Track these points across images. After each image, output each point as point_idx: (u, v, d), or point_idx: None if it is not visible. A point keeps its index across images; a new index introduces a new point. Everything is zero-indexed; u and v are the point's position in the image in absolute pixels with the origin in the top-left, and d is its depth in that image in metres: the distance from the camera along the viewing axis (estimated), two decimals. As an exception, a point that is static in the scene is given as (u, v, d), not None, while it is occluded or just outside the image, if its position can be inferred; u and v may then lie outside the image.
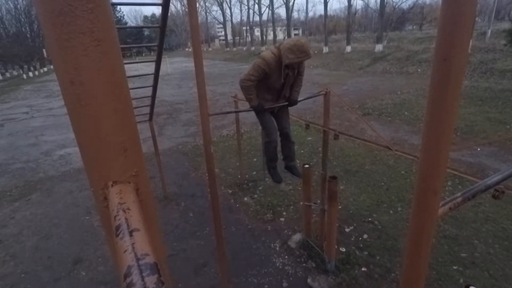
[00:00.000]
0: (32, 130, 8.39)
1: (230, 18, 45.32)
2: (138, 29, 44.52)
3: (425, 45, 17.64)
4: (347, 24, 22.72)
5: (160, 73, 3.01)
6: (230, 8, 44.26)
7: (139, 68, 21.92)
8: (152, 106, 3.57)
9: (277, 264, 2.90)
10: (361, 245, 3.05)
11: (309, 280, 2.66)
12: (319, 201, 3.09)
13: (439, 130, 0.81)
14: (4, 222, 3.89)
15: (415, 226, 0.96)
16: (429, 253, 1.00)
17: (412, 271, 1.02)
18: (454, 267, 2.67)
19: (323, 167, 2.90)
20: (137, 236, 0.40)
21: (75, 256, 3.16)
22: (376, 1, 32.04)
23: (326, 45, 23.56)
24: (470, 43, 12.66)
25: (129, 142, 0.59)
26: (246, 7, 40.29)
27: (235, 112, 3.54)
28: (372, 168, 4.70)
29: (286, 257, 2.99)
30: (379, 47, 18.80)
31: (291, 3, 31.04)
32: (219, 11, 45.97)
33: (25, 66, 27.90)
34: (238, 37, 52.43)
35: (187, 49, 53.63)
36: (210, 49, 51.33)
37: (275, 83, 2.57)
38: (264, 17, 39.12)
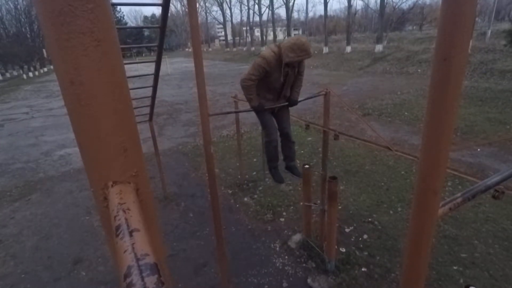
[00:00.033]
0: (32, 130, 8.39)
1: (230, 18, 45.37)
2: (138, 30, 44.51)
3: (425, 45, 17.65)
4: (347, 25, 22.73)
5: (160, 73, 3.01)
6: (230, 9, 44.31)
7: (139, 68, 21.93)
8: (152, 106, 3.57)
9: (277, 264, 2.90)
10: (361, 245, 3.05)
11: (309, 280, 2.66)
12: (319, 201, 3.09)
13: (439, 130, 0.81)
14: (4, 222, 3.89)
15: (415, 226, 0.96)
16: (429, 253, 1.00)
17: (412, 271, 1.02)
18: (454, 267, 2.67)
19: (323, 167, 2.90)
20: (137, 236, 0.40)
21: (75, 256, 3.16)
22: (376, 1, 32.08)
23: (326, 45, 23.57)
24: (470, 43, 12.67)
25: (129, 142, 0.59)
26: (246, 8, 40.33)
27: (235, 112, 3.54)
28: (372, 169, 4.70)
29: (286, 257, 2.99)
30: (379, 47, 18.81)
31: (291, 4, 31.05)
32: (219, 11, 46.05)
33: (25, 66, 27.91)
34: (238, 38, 52.44)
35: (187, 49, 53.66)
36: (210, 49, 51.35)
37: (275, 81, 2.56)
38: (264, 17, 39.19)
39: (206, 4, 48.58)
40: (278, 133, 2.83)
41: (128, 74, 0.67)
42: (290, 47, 2.33)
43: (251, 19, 40.64)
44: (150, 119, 3.82)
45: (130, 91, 0.64)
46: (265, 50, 2.53)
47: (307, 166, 2.83)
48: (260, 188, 4.36)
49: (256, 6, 37.48)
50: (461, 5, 0.69)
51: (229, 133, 6.99)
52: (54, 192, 4.68)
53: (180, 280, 2.79)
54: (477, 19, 28.37)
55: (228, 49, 42.64)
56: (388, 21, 25.25)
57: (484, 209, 3.43)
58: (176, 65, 28.85)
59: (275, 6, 37.34)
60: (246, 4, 39.81)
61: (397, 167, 4.66)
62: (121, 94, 0.56)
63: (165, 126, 8.17)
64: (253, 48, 35.34)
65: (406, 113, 7.67)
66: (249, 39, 41.53)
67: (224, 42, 49.34)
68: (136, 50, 46.12)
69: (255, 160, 5.33)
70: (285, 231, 3.38)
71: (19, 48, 26.31)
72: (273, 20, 34.82)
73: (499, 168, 4.35)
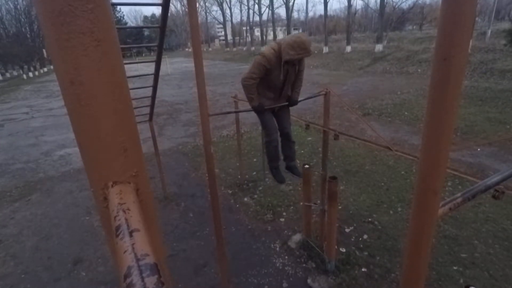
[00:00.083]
0: (32, 130, 8.39)
1: (230, 18, 45.36)
2: (138, 29, 44.51)
3: (425, 45, 17.64)
4: (347, 24, 22.73)
5: (160, 73, 3.01)
6: (230, 8, 44.31)
7: (139, 68, 21.93)
8: (152, 106, 3.57)
9: (277, 265, 2.90)
10: (361, 246, 3.05)
11: (309, 281, 2.66)
12: (319, 202, 3.09)
13: (439, 130, 0.81)
14: (4, 222, 3.89)
15: (415, 226, 0.96)
16: (429, 253, 1.00)
17: (412, 271, 1.02)
18: (454, 267, 2.67)
19: (323, 167, 2.90)
20: (137, 237, 0.40)
21: (75, 256, 3.16)
22: (376, 1, 32.07)
23: (326, 45, 23.56)
24: (470, 43, 12.67)
25: (129, 142, 0.59)
26: (246, 7, 40.33)
27: (235, 112, 3.54)
28: (372, 169, 4.70)
29: (286, 257, 2.99)
30: (379, 47, 18.81)
31: (291, 3, 31.06)
32: (219, 11, 46.03)
33: (25, 66, 27.91)
34: (238, 37, 52.43)
35: (187, 49, 53.65)
36: (210, 49, 51.35)
37: (276, 79, 2.54)
38: (264, 17, 39.18)
39: (206, 4, 48.62)
40: (278, 133, 2.83)
41: (128, 74, 0.67)
42: (290, 45, 2.30)
43: (251, 19, 40.65)
44: (150, 119, 3.82)
45: (130, 91, 0.64)
46: (265, 48, 2.51)
47: (307, 166, 2.83)
48: (260, 188, 4.36)
49: (256, 6, 37.53)
50: (461, 5, 0.69)
51: (229, 133, 6.99)
52: (54, 192, 4.68)
53: (180, 280, 2.79)
54: (477, 19, 28.36)
55: (228, 49, 42.64)
56: (388, 21, 25.25)
57: (484, 209, 3.43)
58: (176, 65, 28.86)
59: (275, 5, 37.40)
60: (246, 4, 39.84)
61: (397, 167, 4.66)
62: (121, 94, 0.56)
63: (165, 126, 8.17)
64: (253, 48, 35.34)
65: (406, 113, 7.67)
66: (249, 39, 41.52)
67: (224, 42, 49.34)
68: (136, 50, 46.12)
69: (255, 160, 5.33)
70: (285, 231, 3.38)
71: (19, 48, 26.30)
72: (273, 20, 34.81)
73: (499, 168, 4.35)
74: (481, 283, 2.50)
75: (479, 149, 5.15)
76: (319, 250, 2.94)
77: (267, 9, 36.08)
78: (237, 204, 4.02)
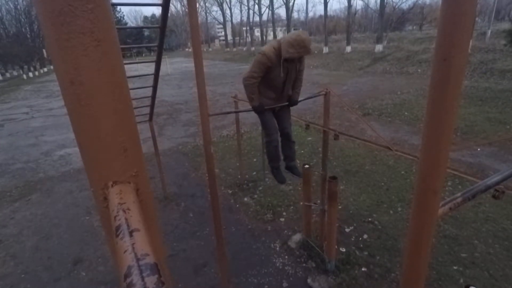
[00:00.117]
0: (32, 130, 8.39)
1: (230, 18, 45.37)
2: (138, 30, 44.51)
3: (425, 45, 17.65)
4: (347, 24, 22.73)
5: (160, 73, 3.01)
6: (230, 9, 44.33)
7: (139, 68, 21.93)
8: (152, 106, 3.57)
9: (277, 264, 2.90)
10: (361, 245, 3.05)
11: (309, 280, 2.66)
12: (319, 201, 3.09)
13: (439, 130, 0.81)
14: (4, 222, 3.89)
15: (415, 226, 0.96)
16: (429, 253, 1.00)
17: (412, 271, 1.02)
18: (454, 267, 2.67)
19: (323, 167, 2.90)
20: (137, 236, 0.40)
21: (75, 256, 3.16)
22: (376, 1, 32.07)
23: (326, 45, 23.57)
24: (470, 43, 12.67)
25: (129, 142, 0.59)
26: (246, 8, 40.33)
27: (235, 112, 3.54)
28: (372, 168, 4.70)
29: (286, 257, 2.99)
30: (379, 47, 18.81)
31: (291, 4, 31.05)
32: (219, 12, 46.05)
33: (25, 67, 27.90)
34: (238, 38, 52.44)
35: (187, 49, 53.66)
36: (210, 49, 51.35)
37: (277, 78, 2.52)
38: (264, 17, 39.19)
39: (206, 4, 48.63)
40: (279, 133, 2.83)
41: (128, 74, 0.67)
42: (290, 43, 2.28)
43: (251, 19, 40.64)
44: (150, 119, 3.82)
45: (130, 91, 0.64)
46: (265, 46, 2.51)
47: (307, 166, 2.83)
48: (260, 188, 4.36)
49: (256, 6, 37.52)
50: (461, 5, 0.69)
51: (229, 133, 6.99)
52: (54, 192, 4.68)
53: (180, 280, 2.79)
54: (477, 19, 28.36)
55: (228, 49, 42.64)
56: (388, 21, 25.25)
57: (484, 209, 3.43)
58: (176, 65, 28.86)
59: (275, 6, 37.41)
60: (246, 4, 39.84)
61: (397, 167, 4.67)
62: (121, 94, 0.56)
63: (165, 126, 8.17)
64: (253, 48, 35.34)
65: (406, 113, 7.67)
66: (249, 39, 41.52)
67: (224, 42, 49.35)
68: (136, 50, 46.13)
69: (255, 160, 5.33)
70: (285, 231, 3.38)
71: (19, 48, 26.30)
72: (273, 20, 34.82)
73: (499, 168, 4.36)
74: (481, 283, 2.50)
75: (479, 149, 5.15)
76: (319, 250, 2.94)
77: (267, 9, 36.13)
78: (237, 204, 4.02)
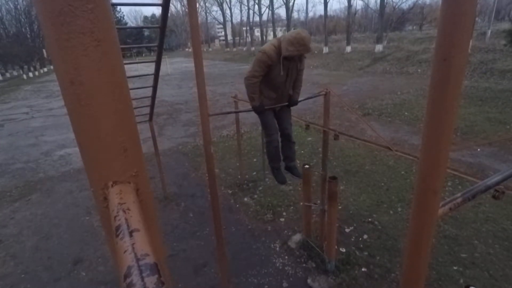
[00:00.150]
0: (32, 130, 8.39)
1: (230, 18, 45.37)
2: (138, 30, 44.51)
3: (425, 45, 17.65)
4: (347, 24, 22.73)
5: (160, 73, 3.01)
6: (230, 9, 44.32)
7: (139, 68, 21.93)
8: (152, 106, 3.57)
9: (277, 265, 2.90)
10: (361, 246, 3.05)
11: (309, 281, 2.66)
12: (319, 202, 3.09)
13: (439, 130, 0.81)
14: (4, 222, 3.89)
15: (415, 226, 0.96)
16: (429, 253, 1.00)
17: (412, 271, 1.02)
18: (454, 267, 2.67)
19: (323, 168, 2.90)
20: (137, 237, 0.40)
21: (75, 256, 3.16)
22: (376, 1, 32.07)
23: (326, 45, 23.57)
24: (470, 43, 12.67)
25: (129, 142, 0.59)
26: (246, 8, 40.32)
27: (235, 112, 3.54)
28: (372, 169, 4.70)
29: (286, 257, 2.99)
30: (379, 47, 18.81)
31: (291, 3, 31.04)
32: (219, 11, 46.05)
33: (25, 67, 27.90)
34: (238, 38, 52.44)
35: (187, 49, 53.66)
36: (210, 49, 51.36)
37: (277, 77, 2.51)
38: (264, 17, 39.17)
39: (206, 4, 48.63)
40: (279, 133, 2.83)
41: (128, 74, 0.67)
42: (290, 41, 2.28)
43: (251, 19, 40.64)
44: (150, 119, 3.82)
45: (130, 91, 0.64)
46: (265, 45, 2.50)
47: (307, 166, 2.82)
48: (260, 188, 4.36)
49: (256, 6, 37.50)
50: (461, 5, 0.69)
51: (229, 133, 6.99)
52: (54, 192, 4.68)
53: (180, 280, 2.79)
54: (477, 19, 28.36)
55: (228, 49, 42.65)
56: (388, 21, 25.25)
57: (484, 209, 3.43)
58: (176, 65, 28.86)
59: (275, 6, 37.35)
60: (246, 4, 39.83)
61: (397, 167, 4.67)
62: (121, 94, 0.56)
63: (165, 126, 8.17)
64: (253, 48, 35.34)
65: (406, 113, 7.67)
66: (249, 39, 41.52)
67: (224, 42, 49.35)
68: (136, 50, 46.12)
69: (255, 160, 5.33)
70: (285, 231, 3.38)
71: (19, 48, 26.30)
72: (273, 20, 34.81)
73: (499, 168, 4.36)
74: (481, 283, 2.50)
75: (479, 149, 5.15)
76: (319, 250, 2.94)
77: (267, 9, 36.10)
78: (237, 204, 4.02)
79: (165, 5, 2.02)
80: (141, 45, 40.20)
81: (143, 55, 49.14)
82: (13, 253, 3.28)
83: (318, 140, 5.54)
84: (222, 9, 44.40)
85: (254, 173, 4.84)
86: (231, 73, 19.93)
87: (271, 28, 36.29)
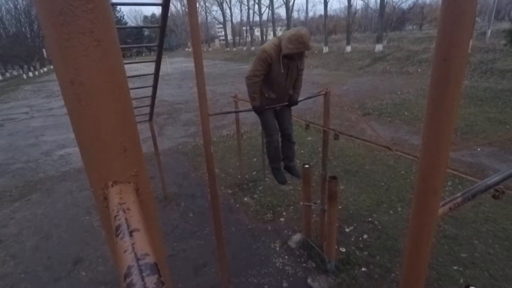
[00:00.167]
0: (32, 130, 8.39)
1: (230, 18, 45.36)
2: (138, 29, 44.50)
3: (425, 45, 17.64)
4: (347, 24, 22.73)
5: (160, 73, 3.01)
6: (230, 8, 44.30)
7: (139, 68, 21.93)
8: (152, 106, 3.57)
9: (277, 264, 2.90)
10: (361, 245, 3.05)
11: (309, 280, 2.66)
12: (319, 201, 3.09)
13: (439, 130, 0.81)
14: (4, 222, 3.89)
15: (415, 226, 0.96)
16: (429, 253, 1.00)
17: (412, 271, 1.02)
18: (454, 267, 2.67)
19: (323, 167, 2.90)
20: (137, 236, 0.40)
21: (75, 256, 3.16)
22: (376, 1, 32.05)
23: (326, 45, 23.56)
24: (470, 43, 12.66)
25: (129, 142, 0.59)
26: (246, 7, 40.33)
27: (235, 112, 3.54)
28: (372, 168, 4.70)
29: (286, 257, 2.99)
30: (379, 47, 18.81)
31: (291, 3, 31.03)
32: (219, 11, 46.04)
33: (25, 66, 27.90)
34: (238, 37, 52.44)
35: (187, 49, 53.64)
36: (210, 49, 51.35)
37: (278, 77, 2.50)
38: (264, 17, 39.15)
39: (206, 4, 48.62)
40: (279, 134, 2.82)
41: (128, 74, 0.67)
42: (289, 39, 2.27)
43: (251, 19, 40.64)
44: (150, 119, 3.82)
45: (130, 91, 0.64)
46: (266, 43, 2.50)
47: (307, 166, 2.82)
48: (260, 188, 4.36)
49: (256, 6, 37.50)
50: (461, 5, 0.69)
51: (229, 133, 6.99)
52: (54, 192, 4.68)
53: (180, 280, 2.79)
54: (477, 19, 28.36)
55: (228, 49, 42.64)
56: (388, 21, 25.24)
57: (484, 209, 3.43)
58: (176, 65, 28.86)
59: (275, 5, 37.36)
60: (246, 4, 39.84)
61: (397, 167, 4.67)
62: (121, 94, 0.56)
63: (165, 126, 8.17)
64: (253, 48, 35.33)
65: (406, 113, 7.67)
66: (249, 39, 41.52)
67: (224, 42, 49.35)
68: (136, 50, 46.10)
69: (255, 160, 5.33)
70: (285, 231, 3.38)
71: (19, 48, 26.29)
72: (273, 20, 34.79)
73: (499, 168, 4.36)
74: (481, 283, 2.50)
75: (479, 149, 5.15)
76: (319, 250, 2.94)
77: (267, 9, 36.08)
78: (237, 204, 4.02)
79: (165, 5, 2.02)
80: (141, 45, 40.20)
81: (143, 55, 49.13)
82: (13, 253, 3.28)
83: (318, 140, 5.54)
84: (222, 9, 44.42)
85: (254, 173, 4.84)
86: (231, 73, 19.93)
87: (271, 28, 36.28)
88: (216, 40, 64.98)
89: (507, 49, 12.65)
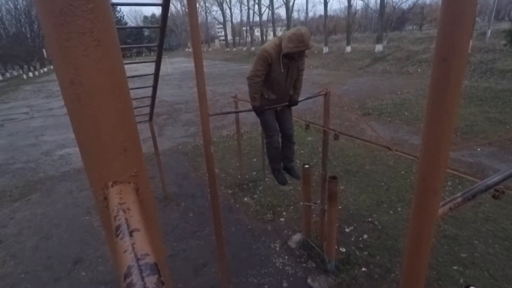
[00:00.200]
0: (32, 130, 8.39)
1: (230, 18, 45.36)
2: (138, 29, 44.49)
3: (425, 45, 17.64)
4: (347, 24, 22.73)
5: (160, 73, 3.01)
6: (230, 8, 44.31)
7: (139, 68, 21.93)
8: (152, 106, 3.57)
9: (277, 264, 2.90)
10: (361, 245, 3.05)
11: (309, 280, 2.66)
12: (319, 201, 3.09)
13: (439, 130, 0.81)
14: (4, 222, 3.89)
15: (415, 226, 0.96)
16: (429, 253, 1.00)
17: (412, 271, 1.02)
18: (454, 267, 2.67)
19: (323, 167, 2.90)
20: (137, 236, 0.40)
21: (75, 256, 3.16)
22: (376, 1, 32.06)
23: (326, 45, 23.56)
24: (470, 43, 12.66)
25: (129, 142, 0.59)
26: (246, 7, 40.34)
27: (235, 112, 3.54)
28: (372, 168, 4.70)
29: (286, 257, 2.99)
30: (379, 47, 18.81)
31: (291, 3, 31.04)
32: (219, 11, 46.04)
33: (25, 66, 27.90)
34: (238, 37, 52.45)
35: (187, 49, 53.64)
36: (210, 49, 51.35)
37: (278, 76, 2.49)
38: (264, 17, 39.17)
39: (206, 4, 48.62)
40: (279, 134, 2.82)
41: (128, 74, 0.67)
42: (290, 38, 2.27)
43: (251, 19, 40.64)
44: (150, 119, 3.82)
45: (130, 91, 0.64)
46: (266, 43, 2.50)
47: (307, 166, 2.82)
48: (260, 188, 4.36)
49: (256, 6, 37.51)
50: (461, 5, 0.69)
51: (229, 133, 6.99)
52: (54, 192, 4.68)
53: (180, 280, 2.79)
54: (477, 19, 28.35)
55: (228, 49, 42.64)
56: (388, 21, 25.24)
57: (484, 209, 3.43)
58: (176, 65, 28.85)
59: (275, 6, 37.36)
60: (246, 4, 39.85)
61: (397, 167, 4.67)
62: (121, 94, 0.56)
63: (165, 126, 8.17)
64: (253, 48, 35.34)
65: (406, 113, 7.67)
66: (249, 39, 41.53)
67: (224, 42, 49.36)
68: (136, 50, 46.10)
69: (255, 160, 5.33)
70: (285, 231, 3.38)
71: (19, 48, 26.30)
72: (273, 20, 34.80)
73: (499, 168, 4.36)
74: (481, 283, 2.50)
75: (479, 149, 5.15)
76: (319, 250, 2.94)
77: (267, 9, 36.10)
78: (237, 204, 4.02)
79: (165, 5, 2.02)
80: (141, 45, 40.24)
81: (143, 55, 49.12)
82: (13, 253, 3.28)
83: (318, 140, 5.54)
84: (222, 9, 44.43)
85: (254, 173, 4.84)
86: (231, 73, 19.93)
87: (271, 28, 36.28)
88: (216, 40, 64.98)
89: (507, 49, 12.65)
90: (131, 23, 66.03)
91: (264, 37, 37.95)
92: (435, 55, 0.76)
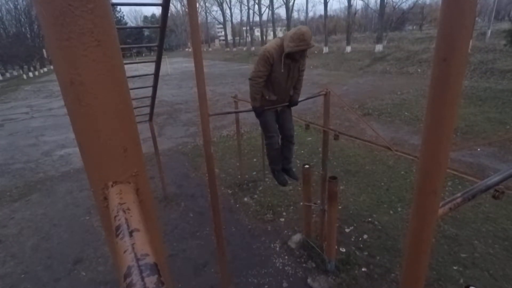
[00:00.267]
0: (32, 130, 8.39)
1: (230, 18, 45.38)
2: (138, 30, 44.48)
3: (425, 45, 17.64)
4: (347, 24, 22.74)
5: (160, 73, 3.01)
6: (230, 8, 44.32)
7: (139, 68, 21.93)
8: (152, 106, 3.57)
9: (277, 265, 2.90)
10: (361, 245, 3.05)
11: (309, 281, 2.66)
12: (319, 201, 3.09)
13: (439, 130, 0.81)
14: (4, 222, 3.89)
15: (415, 226, 0.96)
16: (429, 253, 1.00)
17: (412, 271, 1.02)
18: (454, 267, 2.67)
19: (323, 167, 2.90)
20: (137, 237, 0.40)
21: (75, 256, 3.16)
22: (376, 1, 32.05)
23: (326, 45, 23.57)
24: (470, 43, 12.66)
25: (129, 142, 0.59)
26: (246, 7, 40.35)
27: (235, 112, 3.54)
28: (372, 168, 4.70)
29: (286, 257, 2.99)
30: (379, 47, 18.81)
31: (291, 3, 31.05)
32: (219, 11, 46.04)
33: (25, 66, 27.91)
34: (238, 37, 52.47)
35: (187, 49, 53.64)
36: (210, 49, 51.35)
37: (278, 77, 2.49)
38: (264, 17, 39.17)
39: (206, 4, 48.63)
40: (280, 135, 2.81)
41: (128, 74, 0.67)
42: (291, 37, 2.28)
43: (251, 19, 40.65)
44: (150, 119, 3.82)
45: (130, 91, 0.64)
46: (268, 43, 2.50)
47: (307, 166, 2.82)
48: (260, 188, 4.36)
49: (256, 6, 37.52)
50: (461, 5, 0.69)
51: (229, 133, 6.99)
52: (54, 192, 4.68)
53: (180, 280, 2.79)
54: (477, 19, 28.36)
55: (228, 49, 42.64)
56: (388, 21, 25.25)
57: (484, 209, 3.43)
58: (176, 65, 28.85)
59: (275, 6, 37.32)
60: (246, 4, 39.86)
61: (397, 167, 4.67)
62: (121, 94, 0.56)
63: (165, 126, 8.17)
64: (253, 48, 35.35)
65: (406, 113, 7.67)
66: (249, 39, 41.54)
67: (224, 42, 49.36)
68: (136, 50, 46.10)
69: (255, 160, 5.33)
70: (285, 231, 3.38)
71: (19, 48, 26.30)
72: (273, 20, 34.81)
73: (499, 168, 4.35)
74: (481, 283, 2.50)
75: (479, 149, 5.15)
76: (319, 250, 2.94)
77: (267, 9, 36.11)
78: (237, 204, 4.02)
79: (165, 5, 2.03)
80: (141, 45, 40.27)
81: (143, 55, 49.13)
82: (13, 253, 3.28)
83: (318, 140, 5.54)
84: (222, 9, 44.43)
85: (254, 173, 4.84)
86: (231, 73, 19.94)
87: (271, 28, 36.28)
88: (216, 40, 64.97)
89: (507, 49, 12.65)
90: (131, 23, 66.04)
91: (264, 37, 37.95)
92: (435, 55, 0.76)
